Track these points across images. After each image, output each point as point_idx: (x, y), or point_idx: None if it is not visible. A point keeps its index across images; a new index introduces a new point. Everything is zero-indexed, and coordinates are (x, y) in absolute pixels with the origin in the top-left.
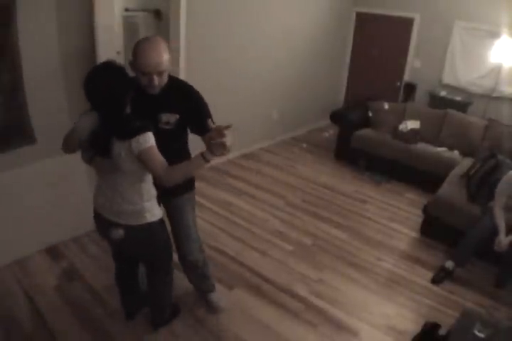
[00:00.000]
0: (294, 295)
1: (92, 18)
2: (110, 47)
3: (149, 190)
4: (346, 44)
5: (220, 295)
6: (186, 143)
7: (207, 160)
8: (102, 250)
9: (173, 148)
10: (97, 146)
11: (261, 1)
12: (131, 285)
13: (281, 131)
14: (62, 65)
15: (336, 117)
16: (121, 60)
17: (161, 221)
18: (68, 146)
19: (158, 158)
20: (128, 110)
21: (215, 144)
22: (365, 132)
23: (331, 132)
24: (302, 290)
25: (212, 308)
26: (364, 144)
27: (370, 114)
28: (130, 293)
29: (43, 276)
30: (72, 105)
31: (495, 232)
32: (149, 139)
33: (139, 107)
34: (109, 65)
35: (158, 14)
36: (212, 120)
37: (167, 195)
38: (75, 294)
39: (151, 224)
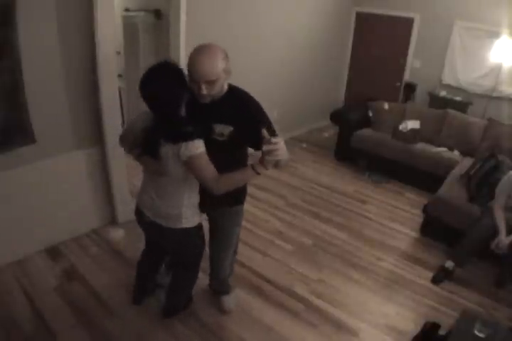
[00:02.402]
0: (294, 295)
1: (92, 18)
2: (110, 47)
3: (191, 197)
4: (346, 44)
5: (232, 297)
6: (244, 158)
7: (257, 173)
8: (102, 250)
9: (227, 161)
10: (145, 146)
11: (261, 1)
12: (150, 272)
13: (281, 131)
14: (62, 64)
15: (336, 117)
16: (121, 60)
17: (198, 228)
18: (124, 142)
19: (208, 166)
20: (183, 113)
21: (269, 159)
22: (365, 132)
23: (331, 132)
24: (302, 290)
25: (221, 309)
26: (364, 144)
27: (370, 114)
28: (145, 280)
29: (43, 276)
30: (72, 105)
31: (495, 232)
32: (199, 146)
33: (194, 113)
34: (166, 65)
35: (158, 14)
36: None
37: (212, 205)
38: (75, 294)
39: (186, 230)
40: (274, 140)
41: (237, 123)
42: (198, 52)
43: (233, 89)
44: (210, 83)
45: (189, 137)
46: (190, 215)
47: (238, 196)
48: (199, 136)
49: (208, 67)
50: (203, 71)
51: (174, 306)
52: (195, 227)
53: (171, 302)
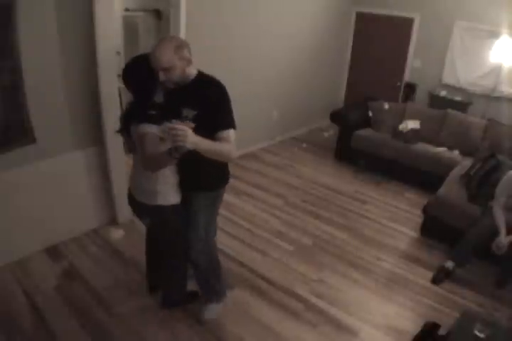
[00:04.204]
0: (294, 295)
1: (92, 18)
2: (110, 47)
3: (166, 174)
4: (346, 44)
5: (214, 309)
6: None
7: (168, 154)
8: (102, 250)
9: None
10: (122, 123)
11: (261, 1)
12: (155, 262)
13: (281, 131)
14: (61, 65)
15: (336, 117)
16: (121, 60)
17: (174, 207)
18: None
19: (147, 145)
20: (160, 99)
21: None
22: (365, 132)
23: (331, 132)
24: (302, 290)
25: (199, 317)
26: (364, 144)
27: (370, 114)
28: (152, 269)
29: (43, 276)
30: (72, 105)
31: (495, 232)
32: (147, 127)
33: (170, 99)
34: (146, 56)
35: (158, 14)
36: (229, 125)
37: (185, 187)
38: (75, 294)
39: (161, 207)
40: (177, 126)
41: (199, 108)
42: (155, 44)
43: (202, 76)
44: (166, 70)
45: (149, 120)
46: (165, 192)
47: (208, 183)
48: (152, 121)
49: (158, 56)
50: (155, 59)
51: (168, 296)
52: (171, 206)
53: (164, 292)
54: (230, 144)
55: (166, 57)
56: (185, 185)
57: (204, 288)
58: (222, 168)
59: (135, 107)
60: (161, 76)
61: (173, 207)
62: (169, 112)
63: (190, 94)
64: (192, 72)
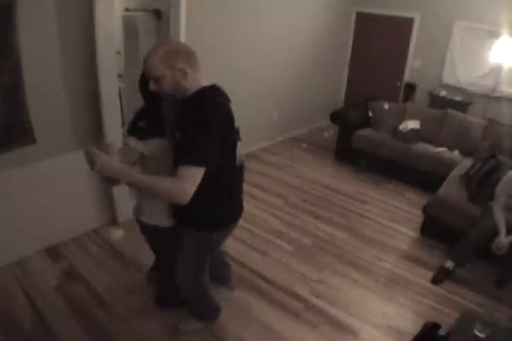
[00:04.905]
0: (294, 295)
1: (92, 18)
2: (110, 47)
3: None
4: (346, 44)
5: (193, 324)
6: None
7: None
8: (102, 250)
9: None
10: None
11: (261, 1)
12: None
13: (281, 131)
14: (62, 65)
15: (336, 117)
16: (121, 60)
17: (159, 228)
18: None
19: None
20: (168, 113)
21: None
22: (365, 132)
23: (331, 132)
24: (302, 290)
25: (177, 324)
26: (364, 144)
27: (370, 114)
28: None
29: (43, 276)
30: (72, 105)
31: (495, 232)
32: (131, 140)
33: (174, 115)
34: None
35: (158, 14)
36: (191, 160)
37: (174, 215)
38: (75, 294)
39: (149, 225)
40: (92, 150)
41: (182, 129)
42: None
43: (198, 94)
44: (156, 80)
45: (135, 132)
46: (152, 212)
47: (194, 220)
48: (142, 134)
49: (147, 63)
50: (144, 66)
51: (160, 295)
52: (155, 227)
53: (159, 290)
54: (181, 182)
55: (152, 63)
56: (174, 213)
57: (188, 304)
58: (223, 205)
59: (138, 116)
60: (151, 85)
61: (157, 227)
62: (164, 130)
63: (180, 111)
64: (192, 85)
